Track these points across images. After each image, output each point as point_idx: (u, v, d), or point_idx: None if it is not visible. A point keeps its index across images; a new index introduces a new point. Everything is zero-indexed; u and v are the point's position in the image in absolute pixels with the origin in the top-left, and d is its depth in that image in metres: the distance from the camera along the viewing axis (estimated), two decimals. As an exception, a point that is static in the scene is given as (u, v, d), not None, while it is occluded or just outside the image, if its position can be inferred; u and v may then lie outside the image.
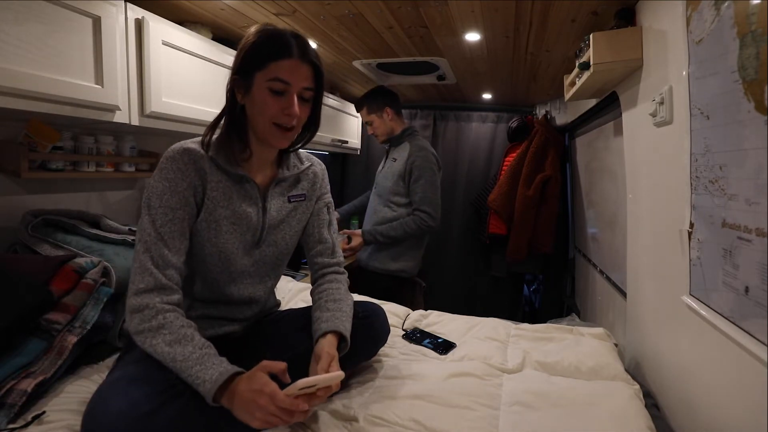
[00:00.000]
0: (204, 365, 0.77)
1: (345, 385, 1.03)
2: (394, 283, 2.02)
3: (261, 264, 1.03)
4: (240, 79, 0.90)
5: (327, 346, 0.91)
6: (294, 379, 0.80)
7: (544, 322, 1.58)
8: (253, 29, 0.91)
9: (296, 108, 0.89)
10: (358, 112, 2.16)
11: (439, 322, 1.49)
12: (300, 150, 1.09)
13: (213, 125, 0.94)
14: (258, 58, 0.88)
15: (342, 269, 1.14)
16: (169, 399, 0.76)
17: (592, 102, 1.91)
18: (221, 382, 0.75)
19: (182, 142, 0.92)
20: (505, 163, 2.83)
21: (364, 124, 2.15)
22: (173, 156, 0.89)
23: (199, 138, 0.94)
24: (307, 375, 0.82)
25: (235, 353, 1.03)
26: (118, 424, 0.70)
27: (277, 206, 1.02)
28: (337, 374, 0.82)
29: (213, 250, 0.94)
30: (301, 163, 1.09)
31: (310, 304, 1.09)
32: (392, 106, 2.04)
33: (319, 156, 1.20)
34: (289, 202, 1.04)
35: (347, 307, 1.03)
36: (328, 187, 1.16)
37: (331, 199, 1.16)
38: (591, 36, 1.29)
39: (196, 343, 0.81)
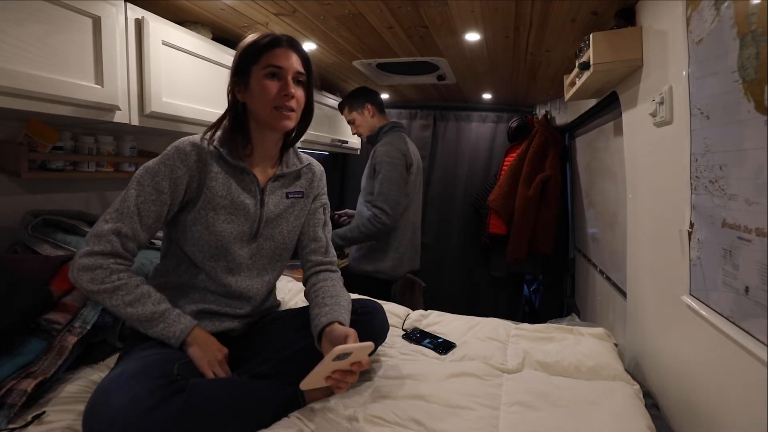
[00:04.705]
0: (167, 322, 0.90)
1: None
2: (372, 283, 1.95)
3: (258, 257, 1.06)
4: (238, 79, 0.98)
5: (340, 329, 0.93)
6: (293, 377, 0.81)
7: (544, 322, 1.58)
8: (245, 38, 0.99)
9: (292, 89, 0.97)
10: (341, 113, 2.13)
11: (439, 322, 1.49)
12: (300, 152, 1.14)
13: (217, 123, 1.01)
14: (252, 54, 0.97)
15: (335, 268, 1.16)
16: (171, 394, 0.77)
17: (592, 102, 1.91)
18: (184, 337, 0.90)
19: (190, 137, 0.98)
20: (505, 163, 2.83)
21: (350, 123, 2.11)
22: (179, 145, 0.95)
23: (203, 134, 0.99)
24: (305, 374, 0.82)
25: (235, 352, 1.04)
26: (120, 418, 0.71)
27: (275, 201, 1.06)
28: (368, 344, 0.86)
29: (211, 239, 0.98)
30: (301, 162, 1.13)
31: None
32: (373, 103, 2.01)
33: (319, 156, 1.21)
34: (287, 197, 1.08)
35: (345, 302, 1.04)
36: (326, 189, 1.20)
37: (327, 200, 1.20)
38: (591, 36, 1.29)
39: (153, 300, 0.90)
